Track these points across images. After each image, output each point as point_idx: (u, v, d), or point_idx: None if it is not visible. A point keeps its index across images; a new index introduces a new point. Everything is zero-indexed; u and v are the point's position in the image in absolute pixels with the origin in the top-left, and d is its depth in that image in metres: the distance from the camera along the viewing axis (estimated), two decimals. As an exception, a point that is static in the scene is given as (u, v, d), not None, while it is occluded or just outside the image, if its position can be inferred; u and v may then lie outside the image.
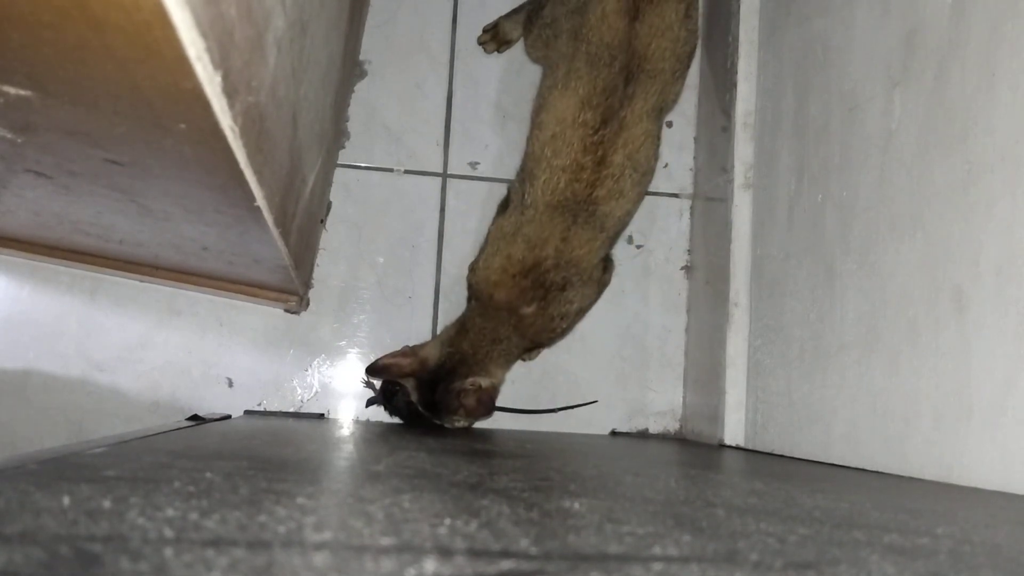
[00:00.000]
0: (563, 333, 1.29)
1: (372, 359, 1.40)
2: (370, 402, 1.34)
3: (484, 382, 1.22)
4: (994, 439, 0.77)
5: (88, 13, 0.43)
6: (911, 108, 0.91)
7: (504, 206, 1.27)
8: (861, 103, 1.01)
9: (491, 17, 1.49)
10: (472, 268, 1.26)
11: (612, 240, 1.25)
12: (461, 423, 1.26)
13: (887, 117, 0.95)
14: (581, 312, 1.28)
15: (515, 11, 1.44)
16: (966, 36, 0.83)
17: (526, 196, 1.19)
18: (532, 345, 1.28)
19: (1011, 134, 0.77)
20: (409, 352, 1.25)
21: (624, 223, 1.25)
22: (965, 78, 0.83)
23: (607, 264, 1.31)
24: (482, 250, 1.26)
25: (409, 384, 1.25)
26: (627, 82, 1.16)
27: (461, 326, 1.23)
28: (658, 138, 1.22)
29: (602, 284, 1.30)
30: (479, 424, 1.37)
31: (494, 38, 1.46)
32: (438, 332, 1.36)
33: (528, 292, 1.19)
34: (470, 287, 1.26)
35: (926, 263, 0.87)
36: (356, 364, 1.40)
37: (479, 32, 1.49)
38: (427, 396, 1.23)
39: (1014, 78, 0.77)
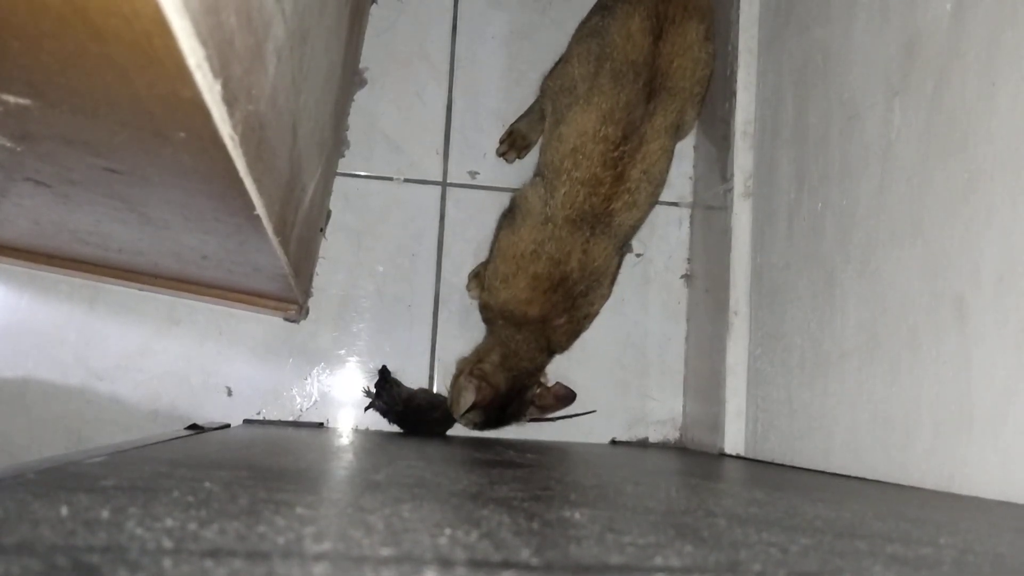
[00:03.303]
0: (580, 333, 1.34)
1: (371, 367, 1.40)
2: (368, 407, 1.35)
3: (547, 381, 1.33)
4: (995, 448, 0.76)
5: (88, 22, 0.43)
6: (911, 116, 0.91)
7: (509, 217, 1.28)
8: (861, 112, 1.01)
9: (492, 25, 1.49)
10: (487, 288, 1.28)
11: (623, 243, 1.30)
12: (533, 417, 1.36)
13: (887, 125, 0.95)
14: (599, 310, 1.34)
15: (525, 113, 1.43)
16: (966, 45, 0.83)
17: (547, 207, 1.22)
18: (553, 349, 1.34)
19: (1011, 142, 0.77)
20: (480, 382, 1.26)
21: (636, 228, 1.31)
22: (965, 86, 0.83)
23: (621, 257, 1.35)
24: (491, 266, 1.27)
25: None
26: (649, 98, 1.21)
27: (507, 348, 1.27)
28: (671, 152, 1.28)
29: (615, 276, 1.34)
30: (479, 433, 1.36)
31: (512, 145, 1.44)
32: (473, 348, 1.33)
33: (560, 304, 1.25)
34: (490, 308, 1.28)
35: (926, 271, 0.87)
36: (355, 373, 1.40)
37: (479, 39, 1.49)
38: (497, 413, 1.30)
39: (1014, 86, 0.77)
